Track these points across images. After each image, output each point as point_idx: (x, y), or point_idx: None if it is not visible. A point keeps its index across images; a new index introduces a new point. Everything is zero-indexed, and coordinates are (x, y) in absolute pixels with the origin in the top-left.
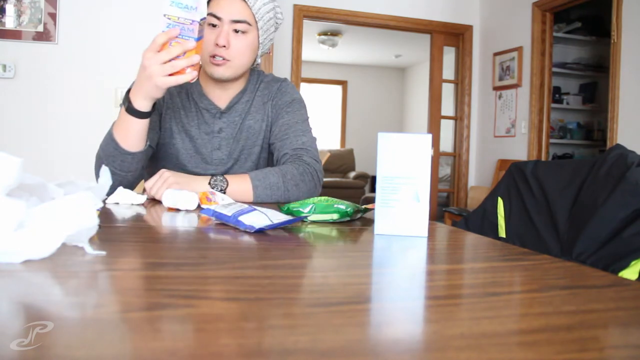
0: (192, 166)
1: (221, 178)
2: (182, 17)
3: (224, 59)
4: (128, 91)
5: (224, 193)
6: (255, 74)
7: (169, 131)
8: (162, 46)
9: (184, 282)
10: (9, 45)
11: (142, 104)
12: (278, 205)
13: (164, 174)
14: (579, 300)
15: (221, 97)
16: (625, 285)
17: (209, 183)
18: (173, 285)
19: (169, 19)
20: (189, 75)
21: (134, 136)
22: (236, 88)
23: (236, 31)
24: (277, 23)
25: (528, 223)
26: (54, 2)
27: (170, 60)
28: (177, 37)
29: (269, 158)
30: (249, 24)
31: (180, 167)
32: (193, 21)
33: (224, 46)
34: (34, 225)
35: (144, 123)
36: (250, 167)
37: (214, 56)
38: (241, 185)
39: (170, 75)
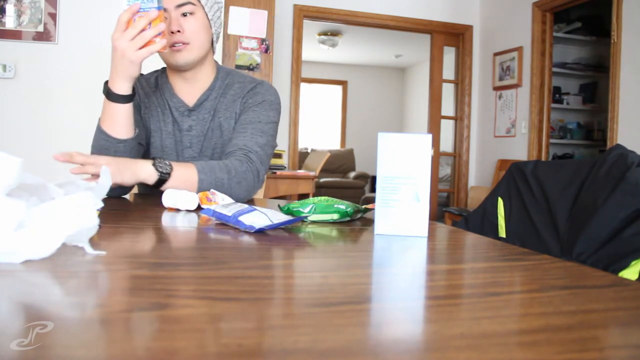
0: None
1: (166, 162)
2: None
3: (182, 43)
4: (106, 82)
5: (169, 177)
6: (223, 71)
7: (149, 131)
8: (127, 24)
9: (184, 282)
10: (9, 45)
11: (122, 86)
12: (278, 205)
13: (101, 158)
14: (579, 300)
15: (190, 94)
16: (625, 285)
17: (153, 164)
18: (173, 285)
19: None
20: (159, 44)
21: (121, 123)
22: (204, 82)
23: (184, 15)
24: (217, 2)
25: (528, 223)
26: (54, 2)
27: (137, 35)
28: (138, 11)
29: None
30: (192, 4)
31: None
32: None
33: (179, 31)
34: (34, 225)
35: (128, 108)
36: None
37: (172, 45)
38: (186, 173)
39: (140, 48)
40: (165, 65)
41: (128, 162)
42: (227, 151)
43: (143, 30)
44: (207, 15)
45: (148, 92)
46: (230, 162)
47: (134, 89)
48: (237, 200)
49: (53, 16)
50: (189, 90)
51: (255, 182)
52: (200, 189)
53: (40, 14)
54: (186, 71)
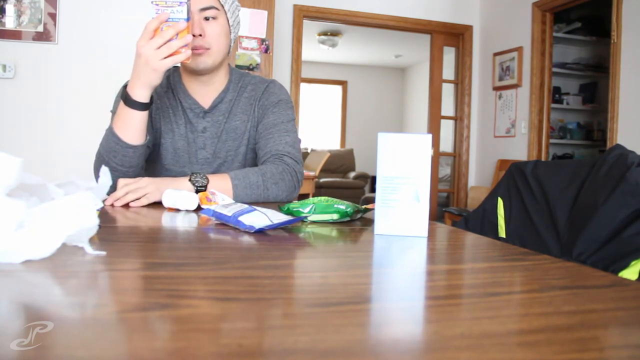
0: (179, 166)
1: (202, 175)
2: (170, 0)
3: (203, 48)
4: (125, 87)
5: (205, 189)
6: (237, 74)
7: (158, 132)
8: (154, 32)
9: (183, 282)
10: (9, 45)
11: (141, 93)
12: (278, 206)
13: (142, 180)
14: (579, 300)
15: (205, 96)
16: (625, 285)
17: (190, 180)
18: (173, 285)
19: (157, 5)
20: (184, 55)
21: (134, 129)
22: (218, 85)
23: (206, 19)
24: (238, 6)
25: (528, 223)
26: (54, 2)
27: (164, 44)
28: (167, 20)
29: (255, 159)
30: (216, 8)
31: (168, 167)
32: (181, 2)
33: (200, 35)
34: (34, 225)
35: (144, 115)
36: (237, 168)
37: (193, 49)
38: (221, 183)
39: (165, 57)
40: (176, 65)
41: (167, 181)
42: (261, 160)
43: (170, 40)
44: (228, 20)
45: (160, 93)
46: (265, 167)
47: (152, 97)
48: (280, 201)
49: (53, 16)
50: (204, 92)
51: (295, 182)
52: (236, 195)
53: (40, 14)
54: (203, 75)
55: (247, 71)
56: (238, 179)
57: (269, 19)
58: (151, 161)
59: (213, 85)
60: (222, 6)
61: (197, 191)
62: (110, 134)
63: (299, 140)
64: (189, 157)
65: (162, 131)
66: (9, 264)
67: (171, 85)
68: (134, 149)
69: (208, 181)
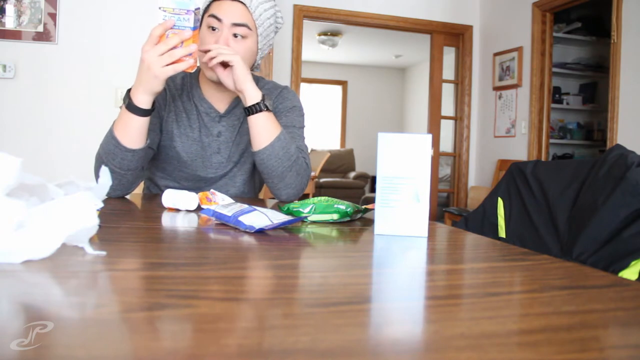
0: (192, 169)
1: (270, 103)
2: (177, 7)
3: None
4: (129, 90)
5: (262, 110)
6: (253, 79)
7: (170, 134)
8: (160, 38)
9: (184, 282)
10: (9, 45)
11: (143, 99)
12: (278, 206)
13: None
14: (579, 300)
15: (220, 101)
16: (625, 285)
17: (262, 99)
18: (173, 285)
19: (164, 11)
20: (186, 64)
21: (134, 133)
22: (234, 92)
23: (235, 36)
24: (277, 27)
25: (528, 223)
26: (54, 2)
27: (167, 51)
28: (173, 27)
29: None
30: (249, 28)
31: (180, 170)
32: (188, 11)
33: None
34: (34, 225)
35: (144, 121)
36: (248, 169)
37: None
38: (274, 124)
39: (168, 65)
40: None
41: (249, 76)
42: None
43: (174, 47)
44: (258, 43)
45: (174, 95)
46: (300, 153)
47: (154, 104)
48: (282, 197)
49: (53, 16)
50: (220, 96)
51: (304, 186)
52: (272, 145)
53: (40, 14)
54: (218, 84)
55: (261, 76)
56: (285, 134)
57: None
58: (162, 162)
59: (229, 92)
60: (256, 28)
61: (257, 104)
62: (110, 136)
63: (307, 148)
64: (203, 161)
65: (175, 134)
66: (9, 264)
67: (186, 87)
68: (133, 152)
69: (269, 110)
